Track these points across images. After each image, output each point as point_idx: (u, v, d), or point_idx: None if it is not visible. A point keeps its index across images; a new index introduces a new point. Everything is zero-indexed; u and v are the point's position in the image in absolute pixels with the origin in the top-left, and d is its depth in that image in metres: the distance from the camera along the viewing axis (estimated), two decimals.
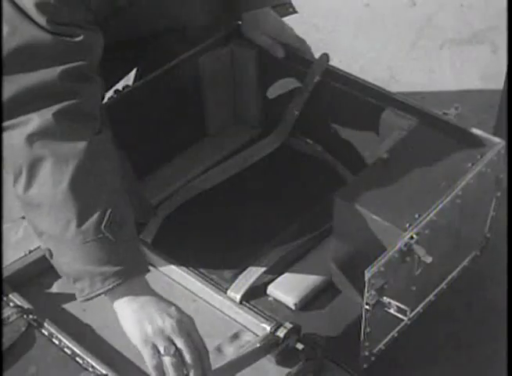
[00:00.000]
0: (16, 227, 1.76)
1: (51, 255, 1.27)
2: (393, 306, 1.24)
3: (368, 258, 1.21)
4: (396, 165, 1.38)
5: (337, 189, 1.38)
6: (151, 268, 1.45)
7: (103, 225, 1.22)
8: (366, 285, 1.20)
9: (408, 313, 1.24)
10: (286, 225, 1.56)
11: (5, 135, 1.24)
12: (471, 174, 1.33)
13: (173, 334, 1.21)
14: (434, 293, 1.42)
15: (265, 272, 1.47)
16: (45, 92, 1.23)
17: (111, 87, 1.62)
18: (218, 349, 1.36)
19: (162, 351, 1.20)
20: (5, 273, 1.47)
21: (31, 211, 1.26)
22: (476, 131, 1.43)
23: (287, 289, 1.45)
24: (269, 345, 1.32)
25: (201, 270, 1.49)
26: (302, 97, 1.67)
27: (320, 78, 1.63)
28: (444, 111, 1.48)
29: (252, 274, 1.47)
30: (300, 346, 1.34)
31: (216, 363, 1.26)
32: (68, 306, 1.46)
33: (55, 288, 1.49)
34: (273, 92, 1.70)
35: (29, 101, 1.23)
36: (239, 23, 1.69)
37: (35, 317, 1.41)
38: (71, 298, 1.28)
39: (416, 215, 1.27)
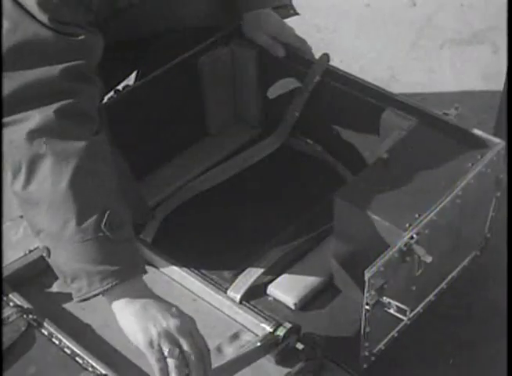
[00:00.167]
0: (16, 227, 1.76)
1: (48, 254, 1.26)
2: (393, 306, 1.24)
3: (368, 258, 1.21)
4: (396, 165, 1.38)
5: (337, 189, 1.38)
6: (151, 268, 1.46)
7: (103, 224, 1.22)
8: (366, 285, 1.20)
9: (408, 313, 1.24)
10: (286, 226, 1.56)
11: (6, 131, 1.24)
12: (471, 174, 1.34)
13: (177, 335, 1.21)
14: (434, 293, 1.42)
15: (264, 272, 1.47)
16: (45, 89, 1.23)
17: (112, 88, 1.62)
18: (218, 349, 1.36)
19: (166, 353, 1.20)
20: (5, 273, 1.47)
21: (29, 208, 1.25)
22: (476, 131, 1.43)
23: (287, 289, 1.45)
24: (269, 344, 1.32)
25: (201, 270, 1.49)
26: (302, 97, 1.67)
27: (320, 78, 1.63)
28: (444, 111, 1.48)
29: (252, 274, 1.47)
30: (300, 346, 1.34)
31: (216, 362, 1.26)
32: (68, 306, 1.46)
33: (55, 288, 1.49)
34: (273, 92, 1.70)
35: (29, 98, 1.23)
36: (241, 23, 1.69)
37: (35, 317, 1.41)
38: (71, 297, 1.28)
39: (416, 215, 1.28)
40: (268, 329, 1.34)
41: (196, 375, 1.21)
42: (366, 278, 1.19)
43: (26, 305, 1.43)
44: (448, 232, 1.35)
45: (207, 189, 1.68)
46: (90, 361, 1.34)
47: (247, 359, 1.30)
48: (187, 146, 1.75)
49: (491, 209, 1.46)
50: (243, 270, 1.48)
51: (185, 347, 1.20)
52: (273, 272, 1.48)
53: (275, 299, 1.45)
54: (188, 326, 1.23)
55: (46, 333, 1.40)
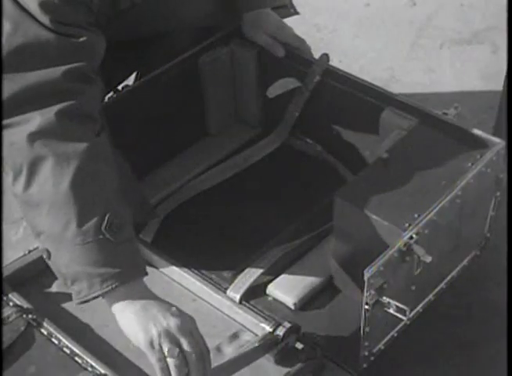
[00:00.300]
0: (16, 227, 1.76)
1: (49, 256, 1.26)
2: (392, 306, 1.24)
3: (368, 258, 1.21)
4: (396, 165, 1.38)
5: (338, 189, 1.38)
6: (151, 268, 1.46)
7: (104, 226, 1.22)
8: (366, 285, 1.20)
9: (407, 313, 1.24)
10: (286, 225, 1.56)
11: (6, 133, 1.23)
12: (471, 174, 1.34)
13: (177, 334, 1.21)
14: (433, 293, 1.42)
15: (264, 272, 1.47)
16: (47, 91, 1.23)
17: (112, 88, 1.62)
18: (218, 349, 1.35)
19: (166, 353, 1.20)
20: (5, 273, 1.47)
21: (30, 210, 1.25)
22: (476, 131, 1.43)
23: (287, 289, 1.45)
24: (268, 344, 1.32)
25: (201, 270, 1.49)
26: (302, 97, 1.67)
27: (320, 78, 1.63)
28: (444, 111, 1.48)
29: (252, 274, 1.46)
30: (299, 346, 1.34)
31: (215, 362, 1.26)
32: (67, 306, 1.45)
33: (54, 288, 1.49)
34: (273, 91, 1.70)
35: (30, 100, 1.23)
36: (241, 23, 1.69)
37: (35, 317, 1.41)
38: (71, 297, 1.28)
39: (416, 215, 1.27)
40: (268, 329, 1.34)
41: (196, 374, 1.21)
42: (366, 278, 1.19)
43: (25, 304, 1.43)
44: (448, 232, 1.35)
45: (206, 189, 1.67)
46: (89, 361, 1.34)
47: (247, 358, 1.30)
48: (187, 146, 1.75)
49: (491, 209, 1.46)
50: (243, 270, 1.48)
51: (185, 346, 1.20)
52: (273, 272, 1.48)
53: (274, 299, 1.45)
54: (188, 325, 1.23)
55: (46, 333, 1.39)
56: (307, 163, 1.73)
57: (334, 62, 1.66)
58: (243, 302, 1.44)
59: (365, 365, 1.32)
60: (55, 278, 1.47)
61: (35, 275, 1.50)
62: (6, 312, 1.41)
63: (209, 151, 1.76)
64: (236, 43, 1.70)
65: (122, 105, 1.56)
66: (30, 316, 1.41)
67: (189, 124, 1.73)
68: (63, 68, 1.23)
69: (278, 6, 1.67)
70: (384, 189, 1.34)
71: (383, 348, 1.33)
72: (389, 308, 1.24)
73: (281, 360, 1.33)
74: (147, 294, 1.26)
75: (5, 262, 1.50)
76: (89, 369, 1.33)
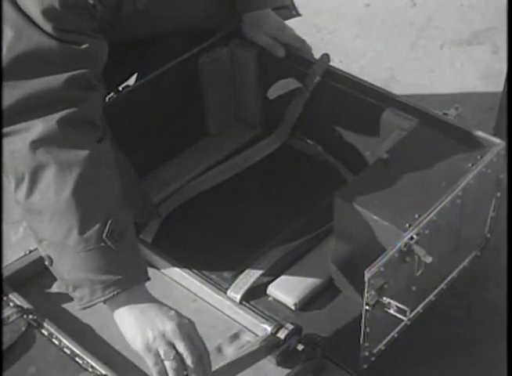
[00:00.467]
0: (15, 227, 1.76)
1: (51, 262, 1.26)
2: (393, 306, 1.24)
3: (368, 258, 1.21)
4: (396, 165, 1.38)
5: (338, 189, 1.38)
6: (151, 268, 1.45)
7: (105, 234, 1.22)
8: (366, 285, 1.20)
9: (408, 313, 1.24)
10: (286, 226, 1.56)
11: (7, 140, 1.23)
12: (471, 174, 1.34)
13: (174, 338, 1.21)
14: (433, 293, 1.42)
15: (265, 273, 1.47)
16: (49, 98, 1.23)
17: (112, 90, 1.61)
18: (218, 349, 1.35)
19: (162, 356, 1.20)
20: (5, 273, 1.47)
21: (32, 217, 1.25)
22: (476, 131, 1.43)
23: (287, 289, 1.45)
24: (270, 345, 1.32)
25: (201, 270, 1.49)
26: (302, 97, 1.67)
27: (320, 79, 1.63)
28: (444, 112, 1.48)
29: (252, 274, 1.47)
30: (300, 347, 1.33)
31: (216, 363, 1.26)
32: (68, 306, 1.45)
33: (55, 288, 1.49)
34: (273, 92, 1.69)
35: (32, 107, 1.22)
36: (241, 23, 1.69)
37: (35, 317, 1.41)
38: (71, 298, 1.28)
39: (416, 215, 1.28)
40: (269, 329, 1.34)
41: None
42: (366, 278, 1.19)
43: (26, 305, 1.43)
44: (449, 232, 1.35)
45: (207, 189, 1.67)
46: (90, 361, 1.34)
47: (248, 360, 1.30)
48: (187, 146, 1.75)
49: (491, 209, 1.46)
50: (243, 270, 1.48)
51: (182, 350, 1.20)
52: (273, 273, 1.48)
53: (275, 299, 1.45)
54: (186, 329, 1.23)
55: (46, 333, 1.39)
56: (307, 163, 1.73)
57: (334, 62, 1.66)
58: (244, 303, 1.44)
59: (365, 365, 1.32)
60: (56, 278, 1.47)
61: (35, 275, 1.50)
62: (7, 312, 1.41)
63: (209, 151, 1.76)
64: (236, 43, 1.70)
65: (122, 105, 1.56)
66: (30, 316, 1.41)
67: (189, 125, 1.73)
68: (66, 75, 1.23)
69: (279, 7, 1.67)
70: (384, 189, 1.35)
71: (383, 348, 1.33)
72: (389, 308, 1.24)
73: (282, 362, 1.32)
74: (147, 299, 1.26)
75: (5, 262, 1.50)
76: (90, 370, 1.33)
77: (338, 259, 1.42)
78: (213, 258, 1.52)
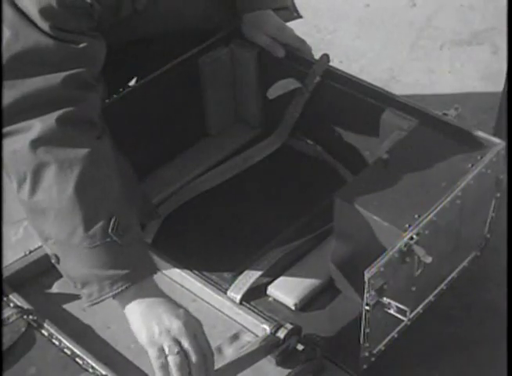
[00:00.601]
0: (15, 228, 1.76)
1: (57, 260, 1.26)
2: (393, 307, 1.24)
3: (368, 259, 1.21)
4: (396, 166, 1.38)
5: (338, 189, 1.38)
6: None
7: (110, 229, 1.22)
8: (366, 285, 1.20)
9: (408, 314, 1.24)
10: (286, 226, 1.56)
11: (8, 140, 1.24)
12: (471, 175, 1.33)
13: (179, 335, 1.21)
14: (433, 293, 1.42)
15: (265, 273, 1.47)
16: (47, 98, 1.23)
17: (113, 91, 1.61)
18: (218, 350, 1.36)
19: (167, 351, 1.20)
20: (5, 273, 1.47)
21: (36, 216, 1.25)
22: (476, 131, 1.43)
23: (287, 289, 1.45)
24: (269, 345, 1.32)
25: (201, 270, 1.49)
26: (302, 98, 1.67)
27: (320, 79, 1.63)
28: (444, 112, 1.48)
29: (252, 275, 1.47)
30: (300, 347, 1.34)
31: (216, 363, 1.26)
32: (68, 307, 1.46)
33: (55, 288, 1.49)
34: (273, 92, 1.69)
35: (31, 106, 1.23)
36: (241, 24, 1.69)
37: (35, 318, 1.41)
38: (71, 298, 1.28)
39: (416, 216, 1.27)
40: (269, 330, 1.34)
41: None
42: (366, 278, 1.19)
43: (26, 305, 1.43)
44: (448, 232, 1.35)
45: (207, 189, 1.67)
46: (90, 362, 1.34)
47: (248, 360, 1.30)
48: (187, 147, 1.75)
49: (491, 210, 1.46)
50: (243, 271, 1.48)
51: (186, 346, 1.21)
52: (273, 273, 1.48)
53: (275, 300, 1.45)
54: (192, 328, 1.23)
55: (46, 334, 1.40)
56: (307, 164, 1.73)
57: (334, 62, 1.66)
58: (244, 303, 1.44)
59: (365, 366, 1.32)
60: (56, 279, 1.48)
61: (35, 276, 1.50)
62: (7, 313, 1.41)
63: (209, 152, 1.76)
64: (236, 43, 1.70)
65: (122, 105, 1.56)
66: (30, 317, 1.41)
67: (189, 125, 1.73)
68: (63, 75, 1.24)
69: (279, 8, 1.67)
70: (384, 189, 1.34)
71: (383, 348, 1.33)
72: (389, 308, 1.24)
73: (282, 362, 1.33)
74: (157, 293, 1.27)
75: (5, 262, 1.50)
76: (90, 370, 1.33)
77: (338, 259, 1.42)
78: (213, 258, 1.52)
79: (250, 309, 1.43)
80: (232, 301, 1.44)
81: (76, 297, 1.39)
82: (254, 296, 1.45)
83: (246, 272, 1.47)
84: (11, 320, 1.41)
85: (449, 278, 1.45)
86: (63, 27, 1.23)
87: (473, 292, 1.53)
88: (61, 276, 1.33)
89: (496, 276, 1.55)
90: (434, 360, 1.43)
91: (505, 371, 1.24)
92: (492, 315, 1.49)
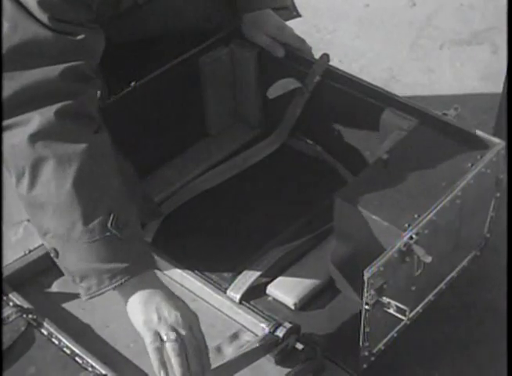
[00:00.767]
0: (15, 228, 1.76)
1: (56, 255, 1.26)
2: (392, 306, 1.24)
3: (368, 258, 1.21)
4: (396, 165, 1.38)
5: (338, 189, 1.38)
6: None
7: (109, 223, 1.22)
8: (366, 285, 1.20)
9: (407, 313, 1.24)
10: (286, 226, 1.56)
11: (7, 134, 1.23)
12: (471, 174, 1.34)
13: (176, 325, 1.21)
14: (433, 293, 1.42)
15: (264, 272, 1.47)
16: (46, 90, 1.23)
17: (113, 91, 1.61)
18: (218, 349, 1.36)
19: (164, 337, 1.20)
20: (5, 273, 1.47)
21: (35, 211, 1.25)
22: (476, 131, 1.43)
23: (287, 289, 1.45)
24: (269, 344, 1.32)
25: (201, 270, 1.49)
26: (302, 97, 1.67)
27: (320, 78, 1.63)
28: (444, 112, 1.48)
29: (252, 274, 1.47)
30: (299, 346, 1.34)
31: (215, 362, 1.26)
32: (68, 306, 1.46)
33: (54, 288, 1.49)
34: (273, 92, 1.69)
35: (30, 99, 1.23)
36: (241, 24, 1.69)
37: (35, 317, 1.41)
38: (71, 297, 1.28)
39: (416, 215, 1.28)
40: (268, 329, 1.34)
41: (194, 367, 1.21)
42: (366, 278, 1.19)
43: (26, 304, 1.43)
44: (448, 232, 1.35)
45: (206, 189, 1.67)
46: (90, 361, 1.34)
47: (247, 359, 1.30)
48: (187, 146, 1.75)
49: (490, 209, 1.46)
50: (243, 270, 1.48)
51: (182, 336, 1.21)
52: (273, 272, 1.48)
53: (274, 299, 1.45)
54: (188, 320, 1.23)
55: (46, 333, 1.40)
56: (307, 164, 1.73)
57: (334, 62, 1.66)
58: (243, 302, 1.44)
59: (365, 365, 1.32)
60: (56, 278, 1.48)
61: (35, 275, 1.50)
62: (6, 312, 1.41)
63: (209, 152, 1.76)
64: (236, 43, 1.70)
65: (122, 105, 1.56)
66: (30, 316, 1.41)
67: (189, 125, 1.73)
68: (62, 67, 1.23)
69: (279, 7, 1.67)
70: (383, 189, 1.35)
71: (383, 348, 1.33)
72: (389, 308, 1.24)
73: (281, 361, 1.33)
74: (157, 284, 1.27)
75: (5, 262, 1.50)
76: (89, 369, 1.33)
77: (338, 259, 1.42)
78: (213, 258, 1.52)
79: (249, 308, 1.43)
80: (232, 300, 1.44)
81: (76, 296, 1.39)
82: (254, 296, 1.45)
83: (245, 271, 1.47)
84: (11, 319, 1.41)
85: (449, 278, 1.45)
86: (62, 19, 1.23)
87: (473, 292, 1.53)
88: (61, 276, 1.33)
89: (496, 275, 1.54)
90: (433, 360, 1.43)
91: (505, 371, 1.23)
92: (492, 315, 1.49)
